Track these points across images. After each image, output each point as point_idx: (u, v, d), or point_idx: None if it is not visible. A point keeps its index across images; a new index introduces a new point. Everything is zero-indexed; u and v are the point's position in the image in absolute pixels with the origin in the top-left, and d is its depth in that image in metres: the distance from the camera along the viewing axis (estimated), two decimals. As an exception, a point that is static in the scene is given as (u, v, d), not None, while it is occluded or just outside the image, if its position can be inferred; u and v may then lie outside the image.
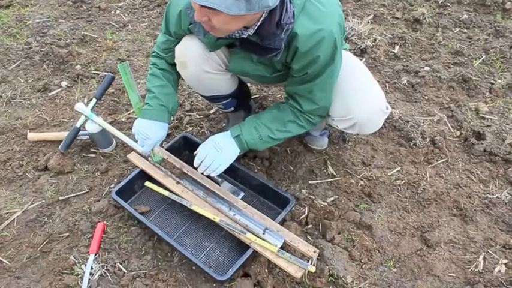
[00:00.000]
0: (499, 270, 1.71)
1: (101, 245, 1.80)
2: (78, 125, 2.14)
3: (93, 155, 2.18)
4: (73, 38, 2.88)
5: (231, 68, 1.76)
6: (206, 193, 1.83)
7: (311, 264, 1.62)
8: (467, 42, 2.76)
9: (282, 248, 1.63)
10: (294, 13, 1.42)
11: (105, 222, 1.87)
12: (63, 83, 2.58)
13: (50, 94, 2.51)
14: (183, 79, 1.88)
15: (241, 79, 1.96)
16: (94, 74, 2.65)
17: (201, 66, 1.74)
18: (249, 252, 1.63)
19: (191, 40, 1.69)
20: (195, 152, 1.75)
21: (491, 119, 2.28)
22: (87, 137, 2.19)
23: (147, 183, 1.90)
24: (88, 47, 2.85)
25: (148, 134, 1.77)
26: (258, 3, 1.28)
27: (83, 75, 2.62)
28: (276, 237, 1.64)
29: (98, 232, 1.82)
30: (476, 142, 2.15)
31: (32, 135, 2.25)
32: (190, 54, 1.72)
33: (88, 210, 1.93)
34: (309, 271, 1.58)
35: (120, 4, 3.20)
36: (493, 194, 1.96)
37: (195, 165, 1.74)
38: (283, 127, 1.73)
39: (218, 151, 1.72)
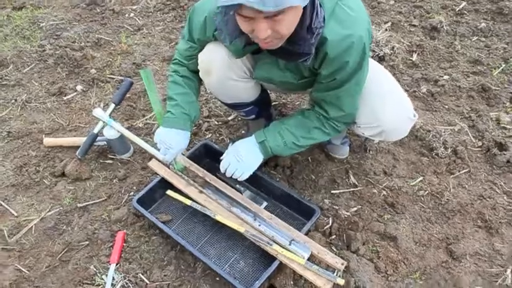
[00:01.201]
0: (527, 285, 1.68)
1: (122, 255, 1.77)
2: (95, 131, 2.11)
3: (110, 162, 2.16)
4: (87, 41, 2.85)
5: (257, 75, 1.73)
6: (230, 203, 1.80)
7: (338, 276, 1.59)
8: (486, 51, 2.74)
9: (308, 259, 1.60)
10: (324, 17, 1.39)
11: (125, 231, 1.84)
12: (79, 87, 2.55)
13: (65, 98, 2.48)
14: (204, 86, 1.86)
15: (263, 86, 1.94)
16: (109, 78, 2.62)
17: (226, 74, 1.71)
18: (276, 263, 1.60)
19: (216, 47, 1.65)
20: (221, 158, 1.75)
21: (512, 129, 2.26)
22: (105, 143, 2.16)
23: (169, 192, 1.87)
24: (102, 50, 2.82)
25: (171, 143, 1.74)
26: None
27: (98, 79, 2.59)
28: (303, 249, 1.62)
29: (119, 241, 1.79)
30: (499, 153, 2.13)
31: (48, 140, 2.22)
32: (215, 62, 1.69)
33: (107, 218, 1.91)
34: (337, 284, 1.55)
35: (134, 7, 3.17)
36: (517, 206, 1.94)
37: (221, 171, 1.74)
38: (308, 133, 1.70)
39: (239, 161, 1.71)
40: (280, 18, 1.25)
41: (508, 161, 2.10)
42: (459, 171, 2.08)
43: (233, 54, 1.65)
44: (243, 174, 1.72)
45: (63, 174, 2.09)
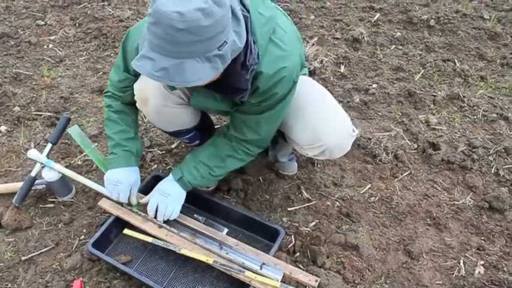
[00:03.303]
0: (479, 272, 1.81)
1: (83, 305, 1.64)
2: (33, 174, 1.94)
3: (52, 205, 2.00)
4: (5, 77, 2.64)
5: (192, 103, 1.72)
6: (193, 234, 1.74)
7: (312, 293, 1.61)
8: (405, 58, 2.95)
9: (282, 281, 1.59)
10: (258, 54, 1.40)
11: (81, 279, 1.71)
12: (3, 128, 2.35)
13: (-11, 141, 2.27)
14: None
15: (203, 110, 1.92)
16: (36, 115, 2.44)
17: (163, 102, 1.69)
18: (250, 291, 1.57)
19: None
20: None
21: (441, 129, 2.44)
22: (44, 186, 1.99)
23: (126, 231, 1.77)
24: (23, 85, 2.62)
25: (119, 179, 1.73)
26: (230, 51, 1.25)
27: (24, 117, 2.40)
28: (275, 272, 1.60)
29: (76, 291, 1.66)
30: (434, 152, 2.28)
31: (-24, 190, 2.01)
32: (151, 90, 1.66)
33: (59, 267, 1.76)
34: (314, 302, 1.56)
35: (52, 37, 2.99)
36: (458, 201, 2.08)
37: (150, 216, 1.75)
38: (221, 163, 1.74)
39: (166, 196, 1.73)
40: None
41: (442, 159, 2.26)
42: (402, 174, 2.20)
43: (167, 88, 1.63)
44: (174, 208, 1.75)
45: (-1, 226, 1.90)
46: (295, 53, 1.52)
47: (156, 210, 1.73)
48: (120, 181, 1.74)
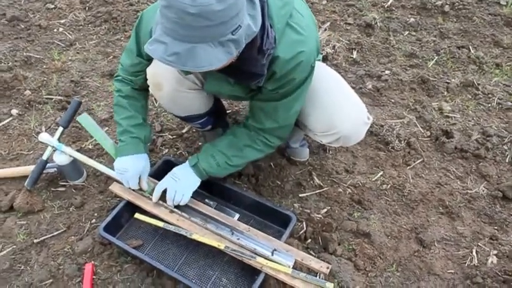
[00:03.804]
0: (492, 262, 1.79)
1: (94, 289, 1.65)
2: (44, 157, 1.94)
3: (63, 189, 2.00)
4: (15, 61, 2.63)
5: (206, 88, 1.70)
6: (204, 219, 1.74)
7: (321, 278, 1.60)
8: (418, 45, 2.89)
9: (293, 267, 1.59)
10: (275, 38, 1.37)
11: (93, 262, 1.71)
12: (14, 111, 2.34)
13: (0, 125, 2.27)
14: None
15: (216, 96, 1.90)
16: (47, 98, 2.43)
17: (177, 86, 1.67)
18: (261, 277, 1.57)
19: None
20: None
21: (454, 117, 2.40)
22: (55, 169, 2.00)
23: (137, 215, 1.77)
24: (34, 69, 2.61)
25: (126, 167, 1.73)
26: (245, 35, 1.22)
27: (35, 101, 2.40)
28: (286, 258, 1.60)
29: (88, 274, 1.66)
30: (447, 140, 2.25)
31: (-12, 173, 2.02)
32: (165, 75, 1.64)
33: (71, 251, 1.77)
34: (326, 289, 1.55)
35: (62, 21, 2.97)
36: (471, 189, 2.05)
37: (153, 200, 1.74)
38: (240, 152, 1.72)
39: (176, 180, 1.72)
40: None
41: (455, 148, 2.23)
42: (414, 162, 2.18)
43: (182, 72, 1.61)
44: (184, 195, 1.72)
45: (11, 209, 1.90)
46: (312, 38, 1.49)
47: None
48: (127, 169, 1.74)
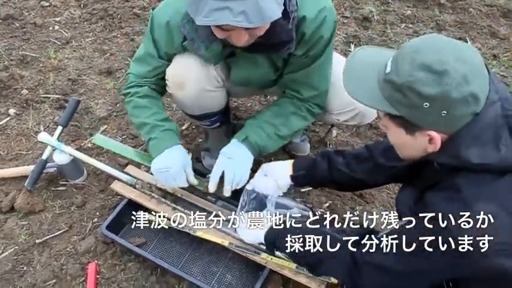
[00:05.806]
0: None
1: (98, 288, 1.65)
2: (44, 157, 1.93)
3: (63, 188, 2.00)
4: (11, 60, 2.60)
5: (233, 79, 1.67)
6: (207, 216, 1.73)
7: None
8: (415, 37, 2.88)
9: (298, 263, 1.59)
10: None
11: (96, 261, 1.71)
12: (11, 111, 2.33)
13: (-2, 125, 2.26)
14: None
15: (229, 94, 1.87)
16: (44, 97, 2.41)
17: (202, 85, 1.62)
18: (266, 272, 1.57)
19: (187, 58, 1.57)
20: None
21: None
22: (55, 169, 1.98)
23: (139, 213, 1.75)
24: (31, 68, 2.59)
25: (167, 164, 1.59)
26: None
27: (33, 100, 2.38)
28: (290, 253, 1.60)
29: (92, 274, 1.67)
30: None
31: (-12, 174, 2.01)
32: (190, 74, 1.59)
33: (73, 250, 1.76)
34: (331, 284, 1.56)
35: (57, 19, 2.93)
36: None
37: (211, 190, 1.62)
38: (286, 121, 1.66)
39: (231, 158, 1.60)
40: (260, 26, 1.25)
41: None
42: (414, 155, 2.18)
43: (210, 60, 1.57)
44: (243, 175, 1.59)
45: (12, 209, 1.90)
46: None
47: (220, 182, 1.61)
48: (169, 166, 1.58)
